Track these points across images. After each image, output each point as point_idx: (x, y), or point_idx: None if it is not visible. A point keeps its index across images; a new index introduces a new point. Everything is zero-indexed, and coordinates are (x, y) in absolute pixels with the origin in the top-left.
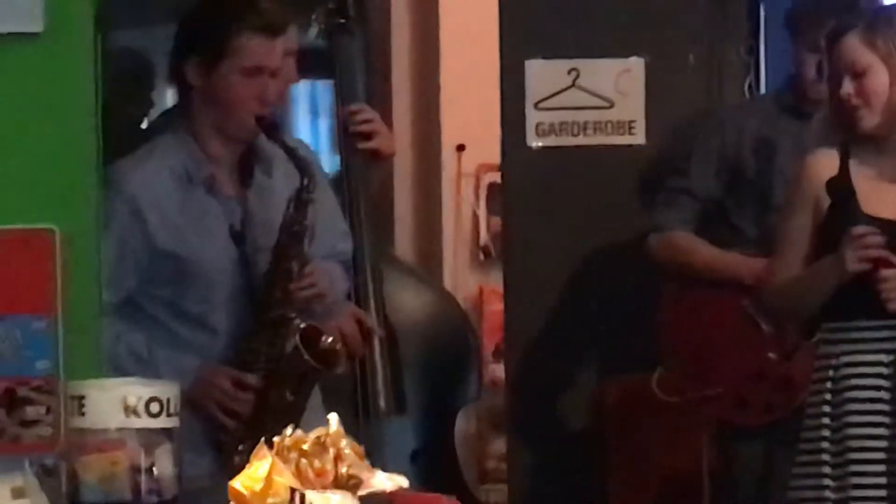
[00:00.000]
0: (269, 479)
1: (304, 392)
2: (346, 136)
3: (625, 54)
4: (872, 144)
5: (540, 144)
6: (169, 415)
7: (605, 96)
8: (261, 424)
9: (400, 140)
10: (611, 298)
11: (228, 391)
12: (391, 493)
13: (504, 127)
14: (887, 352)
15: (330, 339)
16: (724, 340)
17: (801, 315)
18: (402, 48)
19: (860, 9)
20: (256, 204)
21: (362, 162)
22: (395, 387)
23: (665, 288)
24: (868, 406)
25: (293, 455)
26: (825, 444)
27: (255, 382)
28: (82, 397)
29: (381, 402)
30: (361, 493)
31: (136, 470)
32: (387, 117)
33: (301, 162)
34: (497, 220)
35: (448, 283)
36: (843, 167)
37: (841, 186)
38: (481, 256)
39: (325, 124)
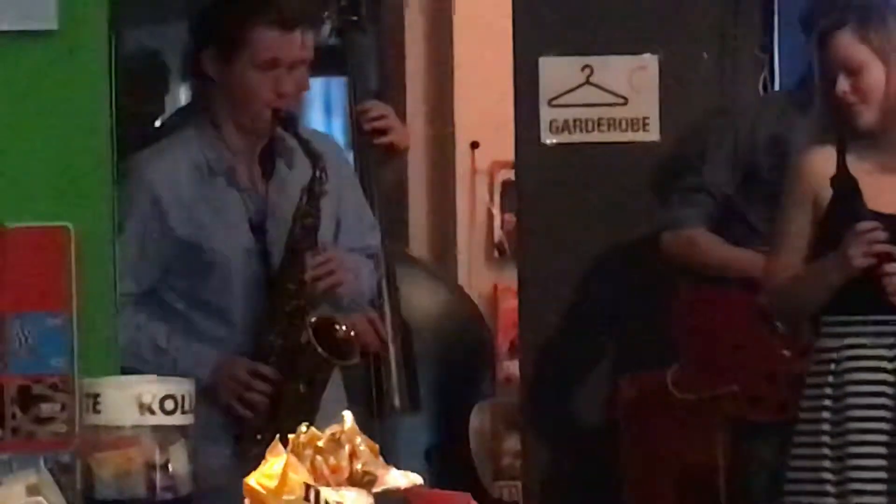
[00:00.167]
0: (284, 476)
1: (318, 384)
2: (360, 134)
3: (639, 51)
4: (870, 139)
5: (554, 141)
6: (184, 412)
7: (619, 93)
8: (277, 415)
9: (413, 137)
10: (625, 296)
11: (245, 381)
12: (406, 490)
13: (518, 124)
14: (889, 346)
15: (343, 329)
16: (739, 337)
17: (805, 313)
18: (416, 45)
19: (850, 5)
20: (277, 196)
21: (378, 157)
22: (410, 384)
23: (679, 285)
24: (870, 400)
25: (308, 452)
26: (825, 438)
27: (271, 373)
28: (97, 395)
29: (396, 400)
30: (376, 490)
31: (150, 467)
32: (400, 115)
33: (314, 154)
34: (511, 218)
35: (462, 280)
36: (842, 164)
37: (844, 182)
38: (495, 254)
39: (338, 122)
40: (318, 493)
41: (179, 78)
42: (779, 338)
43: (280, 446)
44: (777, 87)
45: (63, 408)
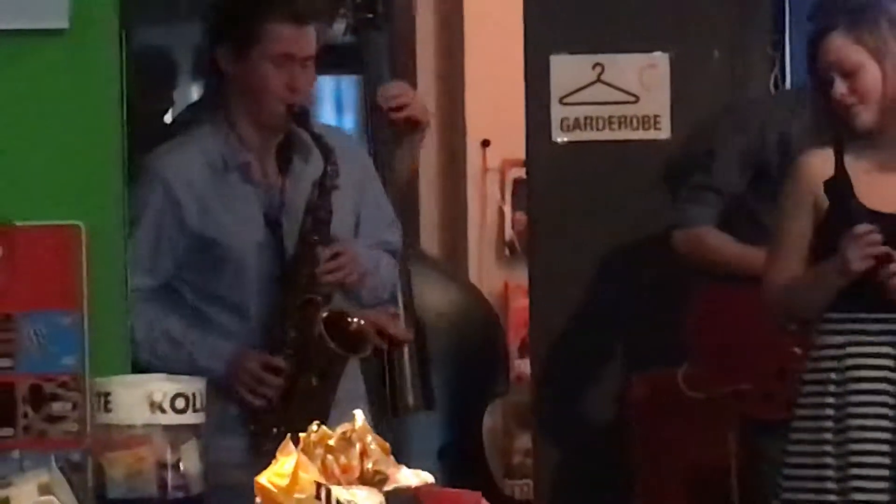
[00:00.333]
0: (295, 475)
1: (332, 377)
2: (375, 130)
3: (650, 49)
4: (869, 139)
5: (565, 139)
6: (195, 410)
7: (630, 91)
8: (291, 409)
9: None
10: (636, 294)
11: (258, 375)
12: (417, 489)
13: (529, 122)
14: (893, 345)
15: (356, 322)
16: (750, 336)
17: (805, 316)
18: (427, 44)
19: (839, 7)
20: (293, 190)
21: (396, 136)
22: (423, 382)
23: (690, 283)
24: (873, 398)
25: (319, 451)
26: (828, 436)
27: (284, 366)
28: (108, 393)
29: (409, 398)
30: (387, 488)
31: (162, 466)
32: None
33: (326, 149)
34: (522, 216)
35: (473, 278)
36: (839, 166)
37: (838, 186)
38: (506, 252)
39: (349, 119)
40: (329, 492)
41: (190, 75)
42: (789, 335)
43: (291, 445)
44: (788, 86)
45: (74, 406)
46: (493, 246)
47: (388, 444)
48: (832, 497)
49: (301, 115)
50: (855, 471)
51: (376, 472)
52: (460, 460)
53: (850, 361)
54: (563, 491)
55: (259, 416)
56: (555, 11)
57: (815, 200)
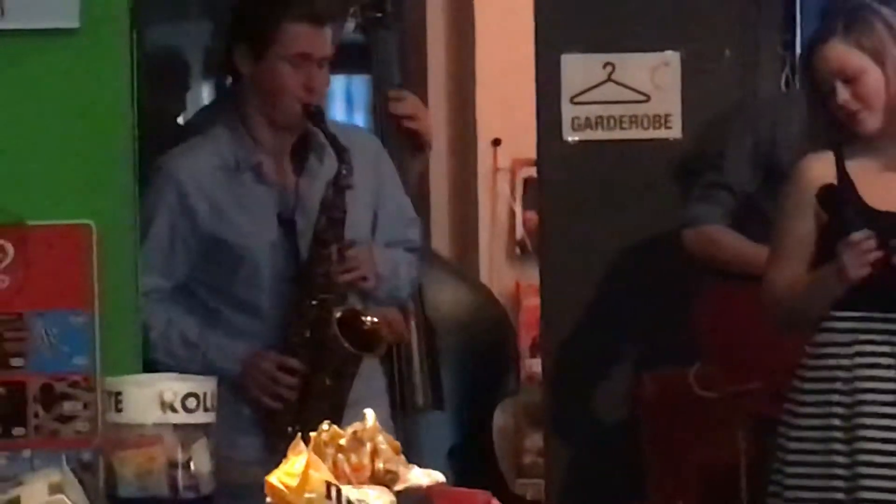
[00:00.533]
0: (305, 475)
1: (346, 377)
2: (384, 128)
3: (661, 48)
4: (872, 141)
5: (576, 139)
6: (206, 410)
7: (641, 90)
8: (305, 408)
9: (435, 135)
10: (647, 293)
11: (272, 375)
12: (428, 489)
13: (540, 121)
14: None
15: (370, 322)
16: (761, 334)
17: (804, 322)
18: (438, 43)
19: (833, 14)
20: (308, 190)
21: (404, 146)
22: (433, 382)
23: (701, 282)
24: (883, 398)
25: (330, 450)
26: (837, 434)
27: (299, 366)
28: (119, 393)
29: (419, 397)
30: (398, 488)
31: (172, 465)
32: None
33: (340, 149)
34: (533, 215)
35: (484, 278)
36: (841, 170)
37: (841, 190)
38: (517, 251)
39: (359, 118)
40: (339, 492)
41: (201, 75)
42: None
43: (302, 444)
44: (798, 85)
45: (85, 406)
46: (504, 245)
47: (398, 444)
48: (840, 496)
49: (317, 114)
50: (864, 469)
51: (387, 472)
52: (471, 460)
53: (859, 360)
54: (575, 490)
55: (274, 415)
56: (565, 10)
57: (816, 204)
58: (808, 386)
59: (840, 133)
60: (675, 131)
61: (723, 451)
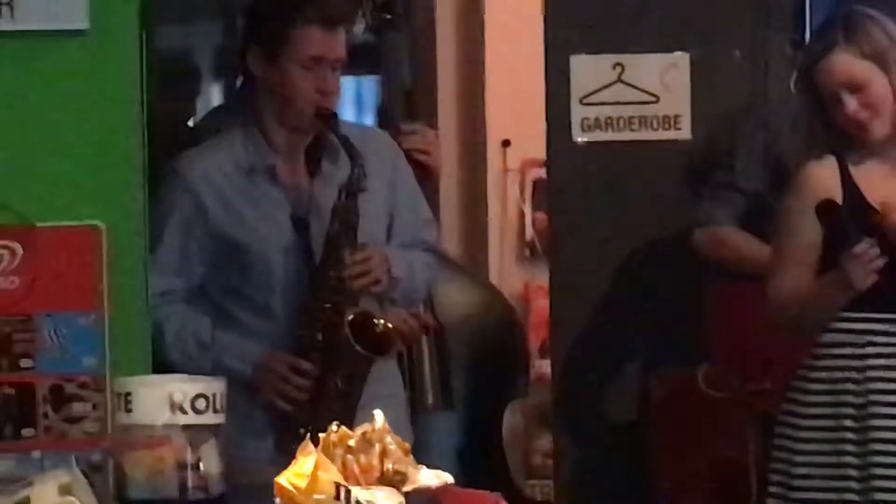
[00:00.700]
0: (314, 476)
1: (358, 379)
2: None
3: (670, 49)
4: (880, 147)
5: (585, 140)
6: (215, 411)
7: (651, 91)
8: (318, 410)
9: (445, 136)
10: (656, 293)
11: (284, 376)
12: (437, 490)
13: (549, 122)
14: None
15: (382, 324)
16: (770, 335)
17: (810, 327)
18: (447, 44)
19: (829, 23)
20: (322, 193)
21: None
22: (443, 382)
23: (710, 283)
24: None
25: (339, 451)
26: (849, 435)
27: (311, 368)
28: (129, 394)
29: (429, 398)
30: (407, 489)
31: (182, 466)
32: (432, 113)
33: (353, 152)
34: (542, 216)
35: (494, 279)
36: (846, 177)
37: (830, 210)
38: (527, 252)
39: (369, 120)
40: (348, 493)
41: (211, 77)
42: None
43: (311, 445)
44: (797, 94)
45: (95, 407)
46: (514, 246)
47: (407, 445)
48: (852, 496)
49: (330, 118)
50: (879, 471)
51: (396, 473)
52: (480, 461)
53: (871, 361)
54: (584, 491)
55: (286, 417)
56: (575, 11)
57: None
58: (815, 386)
59: (843, 140)
60: (684, 132)
61: (732, 452)
